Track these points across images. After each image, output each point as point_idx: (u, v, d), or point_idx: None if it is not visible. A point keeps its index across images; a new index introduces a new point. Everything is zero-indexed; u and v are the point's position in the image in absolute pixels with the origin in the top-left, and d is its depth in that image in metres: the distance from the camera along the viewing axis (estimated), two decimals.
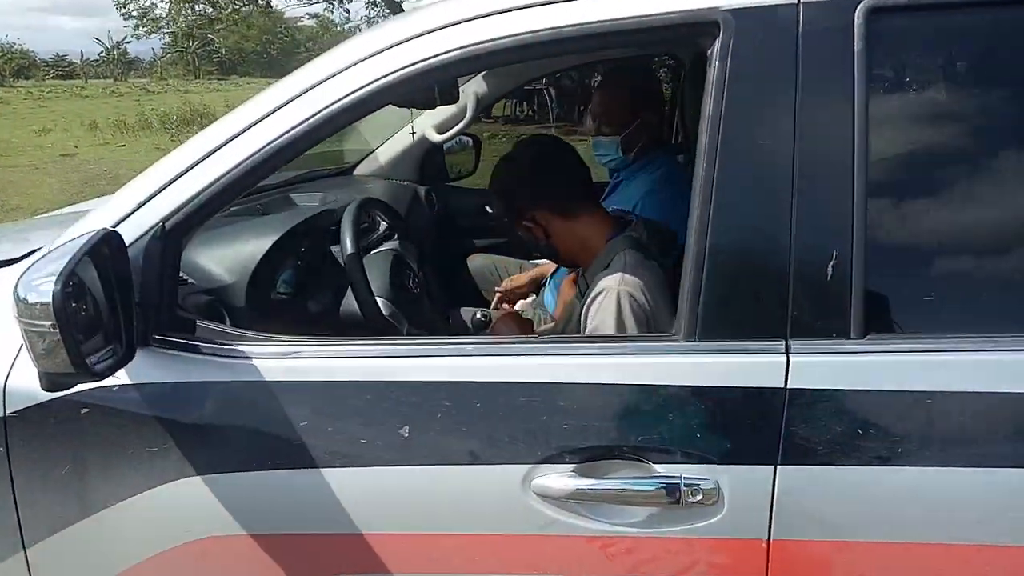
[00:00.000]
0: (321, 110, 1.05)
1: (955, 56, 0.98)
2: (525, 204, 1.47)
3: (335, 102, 1.05)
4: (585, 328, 1.34)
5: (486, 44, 1.02)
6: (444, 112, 2.43)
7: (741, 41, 0.97)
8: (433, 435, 1.03)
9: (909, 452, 0.95)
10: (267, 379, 1.06)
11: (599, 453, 1.00)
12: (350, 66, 1.06)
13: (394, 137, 2.64)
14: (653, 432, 0.99)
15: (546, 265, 2.38)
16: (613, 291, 1.29)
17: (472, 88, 2.34)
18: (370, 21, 22.43)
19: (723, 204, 0.97)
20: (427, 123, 2.47)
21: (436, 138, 2.40)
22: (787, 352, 0.97)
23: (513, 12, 1.02)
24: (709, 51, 0.99)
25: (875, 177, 0.95)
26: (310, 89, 1.06)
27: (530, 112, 12.12)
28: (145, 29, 27.93)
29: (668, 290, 1.33)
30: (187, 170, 1.08)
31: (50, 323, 0.90)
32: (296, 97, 1.06)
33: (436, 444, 1.03)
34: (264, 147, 1.05)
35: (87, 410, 1.07)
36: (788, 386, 0.96)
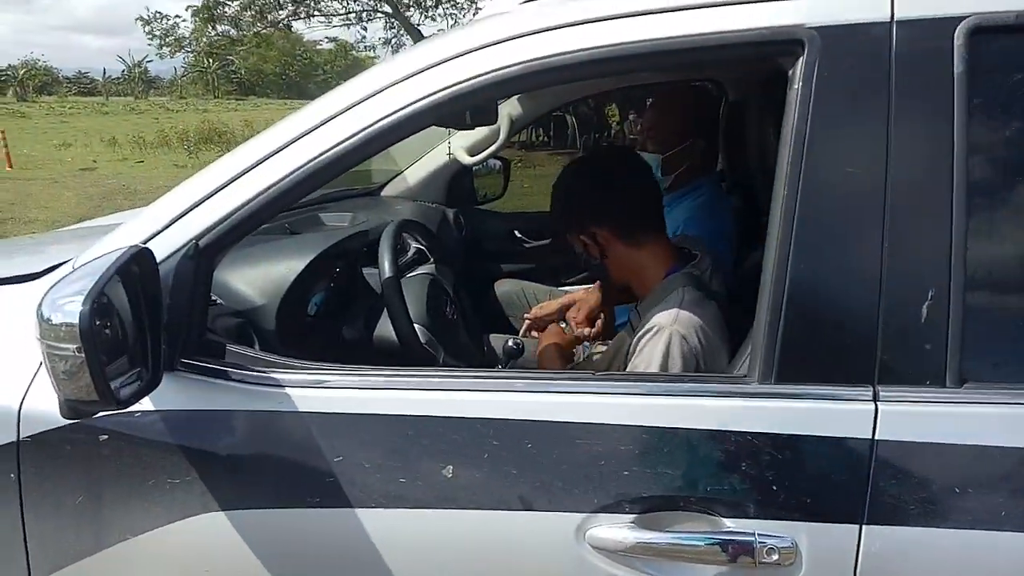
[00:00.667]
0: (370, 125, 0.99)
1: None
2: (588, 218, 1.35)
3: (385, 117, 0.99)
4: (629, 363, 1.26)
5: (553, 59, 0.95)
6: (475, 134, 2.38)
7: (827, 61, 0.90)
8: (479, 476, 0.96)
9: (1013, 516, 0.86)
10: (300, 409, 1.00)
11: (662, 503, 0.93)
12: (401, 80, 1.00)
13: (423, 158, 2.59)
14: (723, 482, 0.91)
15: (576, 292, 2.31)
16: (665, 330, 1.21)
17: (506, 110, 2.29)
18: (387, 42, 22.77)
19: (805, 237, 0.90)
20: (457, 145, 2.42)
21: (467, 160, 2.35)
22: (875, 400, 0.89)
23: (581, 26, 0.96)
24: (791, 71, 0.92)
25: (975, 210, 0.87)
26: (357, 104, 1.00)
27: (546, 138, 12.13)
28: (168, 48, 28.53)
29: (727, 329, 1.25)
30: (224, 185, 1.02)
31: (75, 346, 0.84)
32: (343, 111, 1.01)
33: (482, 486, 0.96)
34: (307, 163, 1.00)
35: (106, 437, 1.01)
36: (876, 437, 0.88)
